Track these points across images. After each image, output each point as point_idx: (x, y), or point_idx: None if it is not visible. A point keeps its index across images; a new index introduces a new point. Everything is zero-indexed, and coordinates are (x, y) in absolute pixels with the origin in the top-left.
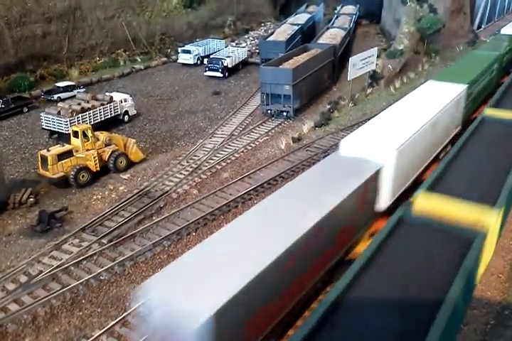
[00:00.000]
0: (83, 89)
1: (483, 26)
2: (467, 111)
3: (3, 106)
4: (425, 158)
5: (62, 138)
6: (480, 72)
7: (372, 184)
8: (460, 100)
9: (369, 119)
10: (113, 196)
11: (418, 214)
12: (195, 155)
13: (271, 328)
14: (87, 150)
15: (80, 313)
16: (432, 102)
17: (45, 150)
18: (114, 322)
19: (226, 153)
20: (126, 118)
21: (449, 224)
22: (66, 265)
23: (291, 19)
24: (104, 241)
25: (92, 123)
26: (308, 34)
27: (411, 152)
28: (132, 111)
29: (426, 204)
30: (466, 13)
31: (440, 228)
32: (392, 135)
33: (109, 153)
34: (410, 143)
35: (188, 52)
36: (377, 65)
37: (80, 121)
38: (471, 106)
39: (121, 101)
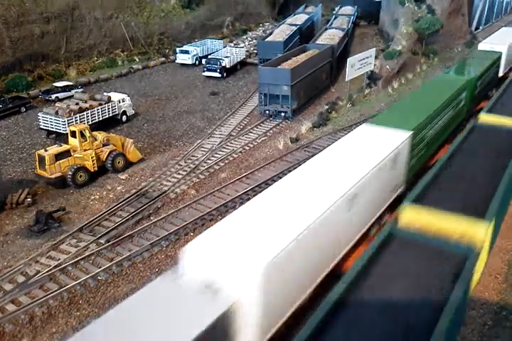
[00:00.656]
0: (81, 89)
1: (481, 27)
2: (415, 164)
3: (0, 105)
4: (338, 247)
5: (60, 138)
6: (437, 108)
7: (222, 330)
8: (400, 153)
9: (366, 120)
10: (111, 196)
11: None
12: (193, 156)
13: None
14: (85, 150)
15: (78, 313)
16: (355, 162)
17: (43, 150)
18: None
19: (224, 153)
20: (124, 118)
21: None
22: (64, 265)
23: (289, 20)
24: (102, 241)
25: (90, 123)
26: (306, 35)
27: (302, 255)
28: (130, 111)
29: (488, 119)
30: (464, 14)
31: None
32: (266, 236)
33: (107, 153)
34: (297, 244)
35: (187, 52)
36: (375, 65)
37: (78, 121)
38: (422, 154)
39: (119, 101)
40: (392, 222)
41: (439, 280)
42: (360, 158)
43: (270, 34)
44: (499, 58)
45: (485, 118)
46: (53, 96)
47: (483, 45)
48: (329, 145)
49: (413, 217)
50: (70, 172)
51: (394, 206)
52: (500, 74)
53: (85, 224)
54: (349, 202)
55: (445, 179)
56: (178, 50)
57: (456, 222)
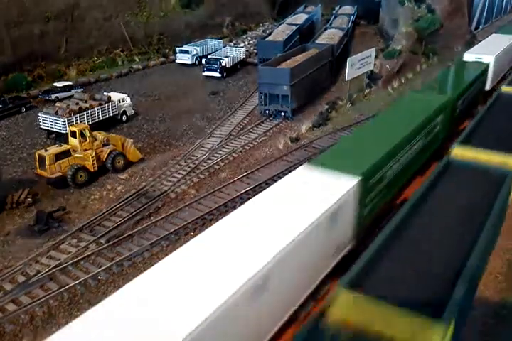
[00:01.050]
0: (81, 89)
1: (480, 27)
2: (371, 212)
3: (0, 106)
4: (255, 337)
5: (60, 138)
6: (400, 140)
7: None
8: (343, 206)
9: (367, 119)
10: (111, 196)
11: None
12: (194, 155)
13: None
14: (85, 150)
15: (78, 313)
16: (277, 226)
17: (43, 150)
18: None
19: (224, 153)
20: (124, 118)
21: None
22: (64, 265)
23: (289, 19)
24: (102, 241)
25: (90, 123)
26: (306, 34)
27: None
28: (130, 111)
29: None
30: (463, 13)
31: None
32: None
33: (107, 152)
34: None
35: (186, 52)
36: (375, 65)
37: (78, 121)
38: (381, 198)
39: (119, 101)
40: (447, 156)
41: (487, 191)
42: (285, 220)
43: (270, 34)
44: (486, 70)
45: (506, 89)
46: (53, 96)
47: (469, 56)
48: (329, 145)
49: (461, 154)
50: (70, 172)
51: (341, 268)
52: (488, 87)
53: (85, 224)
54: (258, 287)
55: (484, 129)
56: (177, 49)
57: (495, 156)
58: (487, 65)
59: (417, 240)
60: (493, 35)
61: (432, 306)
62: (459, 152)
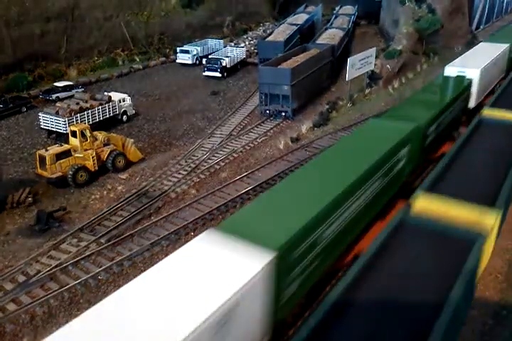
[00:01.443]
0: (81, 89)
1: (481, 27)
2: (298, 290)
3: (1, 105)
4: None
5: (61, 138)
6: (344, 190)
7: None
8: (250, 295)
9: (367, 119)
10: (111, 196)
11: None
12: (194, 155)
13: None
14: (86, 149)
15: (78, 313)
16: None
17: (44, 149)
18: None
19: (225, 152)
20: (124, 118)
21: None
22: (64, 264)
23: (289, 19)
24: (103, 240)
25: (91, 123)
26: (306, 34)
27: None
28: (131, 111)
29: None
30: (464, 13)
31: None
32: None
33: (108, 152)
34: None
35: (187, 52)
36: (375, 65)
37: (79, 121)
38: (314, 268)
39: (120, 101)
40: (479, 115)
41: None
42: (150, 333)
43: (270, 34)
44: (469, 86)
45: None
46: (54, 96)
47: (450, 69)
48: (329, 145)
49: (490, 113)
50: (70, 172)
51: None
52: (472, 105)
53: (86, 224)
54: None
55: (507, 97)
56: (178, 49)
57: None
58: (470, 81)
59: (467, 165)
60: (481, 44)
61: (487, 198)
62: (488, 112)
